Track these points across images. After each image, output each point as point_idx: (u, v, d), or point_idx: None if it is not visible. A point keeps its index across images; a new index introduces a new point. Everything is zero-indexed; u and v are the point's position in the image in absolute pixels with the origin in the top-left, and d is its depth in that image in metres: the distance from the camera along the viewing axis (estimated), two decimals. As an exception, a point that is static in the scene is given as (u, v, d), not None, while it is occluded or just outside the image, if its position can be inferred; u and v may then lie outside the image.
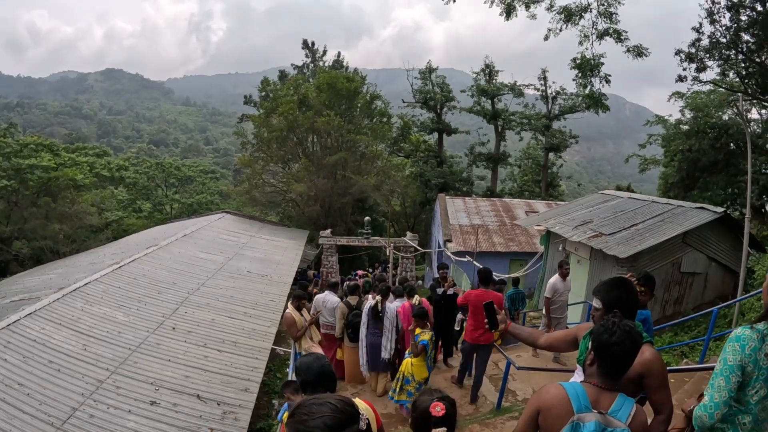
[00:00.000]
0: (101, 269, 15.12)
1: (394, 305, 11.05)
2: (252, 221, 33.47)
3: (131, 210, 49.97)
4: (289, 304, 10.59)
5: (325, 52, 55.67)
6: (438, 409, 3.44)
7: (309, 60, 54.98)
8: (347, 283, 12.95)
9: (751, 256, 14.34)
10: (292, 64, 56.17)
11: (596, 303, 4.01)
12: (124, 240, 28.79)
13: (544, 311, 12.63)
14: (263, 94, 47.63)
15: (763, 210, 27.22)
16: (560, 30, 22.09)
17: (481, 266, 20.73)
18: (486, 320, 4.73)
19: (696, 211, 15.78)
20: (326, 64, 53.91)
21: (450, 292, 12.63)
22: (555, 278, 12.29)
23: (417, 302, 11.12)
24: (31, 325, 10.44)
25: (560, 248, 19.02)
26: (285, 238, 29.68)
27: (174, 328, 11.98)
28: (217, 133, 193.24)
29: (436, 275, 14.18)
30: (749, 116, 27.80)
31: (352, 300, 11.36)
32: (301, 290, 11.98)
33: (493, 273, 13.98)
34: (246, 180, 42.76)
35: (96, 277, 14.06)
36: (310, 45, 55.07)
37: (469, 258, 22.95)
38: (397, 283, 15.47)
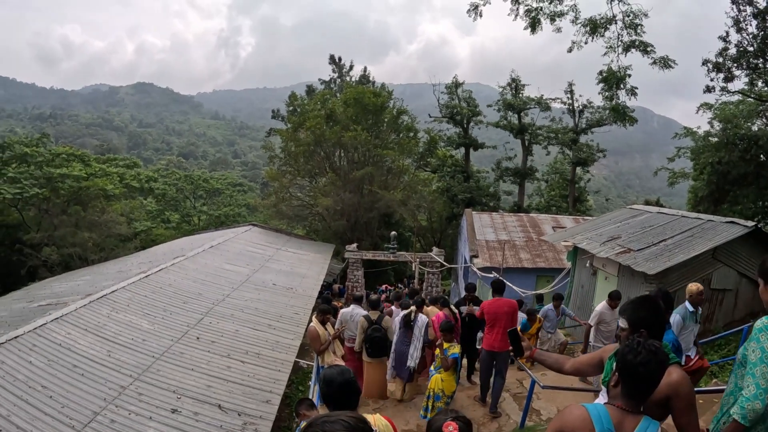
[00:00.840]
0: (128, 278, 15.18)
1: (422, 318, 11.08)
2: (278, 234, 33.53)
3: (160, 220, 50.69)
4: (313, 317, 10.55)
5: (351, 67, 56.13)
6: (451, 429, 3.36)
7: (336, 75, 55.44)
8: (371, 296, 12.83)
9: None
10: (319, 79, 56.78)
11: (622, 323, 3.93)
12: (152, 250, 28.97)
13: (584, 337, 12.40)
14: (291, 108, 47.96)
15: None
16: (585, 42, 21.97)
17: (507, 283, 20.65)
18: (510, 348, 4.71)
19: (726, 225, 15.43)
20: (353, 79, 54.29)
21: (464, 311, 12.61)
22: (603, 306, 11.84)
23: (452, 312, 11.28)
24: (58, 330, 10.49)
25: (588, 264, 18.75)
26: (311, 251, 29.67)
27: (198, 338, 11.95)
28: (245, 146, 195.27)
29: (463, 291, 14.22)
30: None
31: (373, 315, 11.27)
32: (326, 304, 11.91)
33: (521, 290, 13.73)
34: (273, 193, 42.94)
35: (123, 285, 14.12)
36: (336, 60, 55.53)
37: (496, 274, 22.74)
38: (407, 296, 15.50)
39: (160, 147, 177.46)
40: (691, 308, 8.53)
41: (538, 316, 13.89)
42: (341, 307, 20.93)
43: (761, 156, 25.90)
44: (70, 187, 36.57)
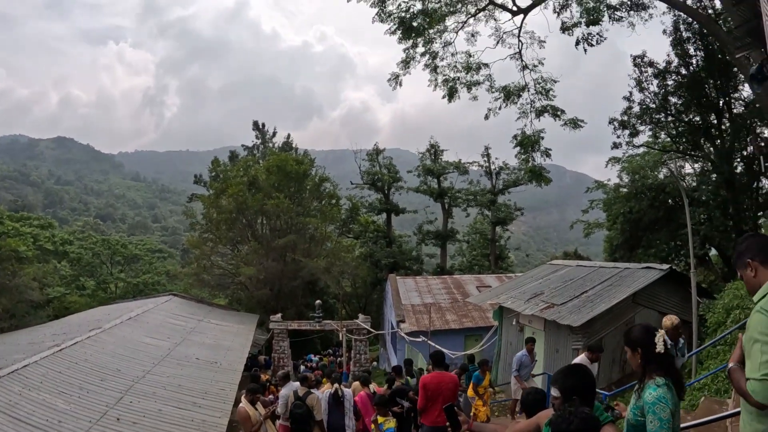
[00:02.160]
0: (41, 351, 14.43)
1: (347, 391, 11.11)
2: (200, 305, 32.79)
3: (74, 287, 48.81)
4: (242, 397, 10.28)
5: (275, 133, 56.50)
6: None
7: (259, 141, 55.57)
8: (302, 368, 12.68)
9: (701, 304, 14.67)
10: (242, 145, 56.74)
11: (554, 392, 4.00)
12: (66, 319, 27.82)
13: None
14: (213, 174, 47.80)
15: (706, 258, 28.16)
16: (500, 108, 23.12)
17: (435, 345, 20.66)
18: (447, 422, 4.71)
19: (643, 271, 16.32)
20: (276, 146, 54.57)
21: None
22: (582, 360, 11.09)
23: (372, 391, 11.08)
24: None
25: (514, 322, 19.11)
26: (234, 322, 29.11)
27: (118, 419, 11.42)
28: (166, 210, 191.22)
29: (392, 357, 14.24)
30: (684, 171, 29.32)
31: (300, 391, 11.06)
32: (254, 382, 11.64)
33: (450, 352, 13.68)
34: (194, 261, 42.10)
35: (35, 360, 13.39)
36: (260, 126, 55.80)
37: (424, 338, 22.82)
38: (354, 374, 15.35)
39: (78, 207, 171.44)
40: (670, 342, 8.44)
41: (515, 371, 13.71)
42: (268, 380, 20.47)
43: (669, 201, 27.52)
44: None
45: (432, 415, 9.59)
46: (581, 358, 11.55)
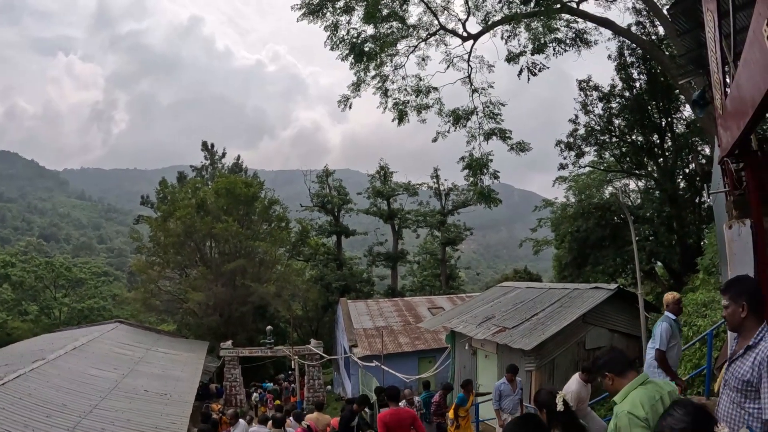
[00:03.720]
0: None
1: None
2: (147, 332, 32.30)
3: (16, 312, 47.38)
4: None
5: (224, 154, 56.01)
6: None
7: (208, 162, 55.00)
8: (254, 395, 12.57)
9: (649, 319, 15.06)
10: (191, 166, 56.04)
11: None
12: (8, 349, 26.89)
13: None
14: (161, 195, 47.14)
15: (653, 271, 29.19)
16: (449, 132, 23.57)
17: (388, 370, 20.70)
18: None
19: (592, 291, 16.74)
20: (225, 167, 54.11)
21: (354, 422, 12.50)
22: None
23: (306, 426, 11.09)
24: None
25: (467, 346, 19.28)
26: (183, 350, 28.71)
27: (65, 459, 11.17)
28: (112, 231, 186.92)
29: (346, 382, 14.24)
30: (629, 189, 30.38)
31: None
32: (206, 422, 11.54)
33: (404, 376, 13.60)
34: (141, 286, 41.43)
35: None
36: (209, 147, 55.22)
37: (377, 362, 22.85)
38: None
39: (20, 226, 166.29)
40: (673, 316, 8.39)
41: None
42: (220, 410, 20.21)
43: (614, 219, 28.35)
44: None
45: None
46: (574, 379, 11.28)
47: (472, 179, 24.31)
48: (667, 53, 20.54)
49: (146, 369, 22.03)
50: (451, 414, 13.36)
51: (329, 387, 35.75)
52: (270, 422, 12.18)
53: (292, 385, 34.73)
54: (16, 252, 66.70)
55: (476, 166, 23.18)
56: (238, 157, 56.12)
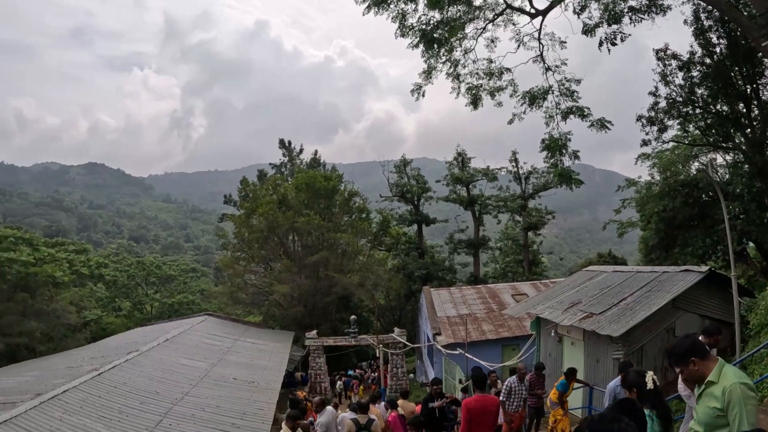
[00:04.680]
0: (80, 375, 14.56)
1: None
2: (235, 324, 32.90)
3: (110, 308, 49.61)
4: (284, 423, 10.17)
5: (301, 150, 56.47)
6: None
7: (286, 159, 55.56)
8: (338, 383, 12.49)
9: (743, 304, 14.14)
10: (270, 164, 56.85)
11: None
12: (103, 342, 28.07)
13: None
14: (243, 194, 48.02)
15: (744, 253, 27.40)
16: (525, 113, 22.78)
17: (472, 358, 20.30)
18: None
19: (681, 274, 15.74)
20: (303, 163, 54.57)
21: (437, 404, 12.22)
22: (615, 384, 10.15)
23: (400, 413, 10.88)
24: None
25: (552, 333, 18.66)
26: (270, 340, 29.14)
27: (158, 443, 11.37)
28: (198, 230, 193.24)
29: (429, 370, 13.93)
30: (716, 164, 28.59)
31: (362, 418, 10.77)
32: (295, 408, 11.49)
33: (488, 364, 13.21)
34: (228, 280, 42.39)
35: (75, 384, 13.50)
36: (286, 144, 55.78)
37: (461, 350, 22.49)
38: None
39: (111, 230, 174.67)
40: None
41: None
42: (305, 397, 20.33)
43: (702, 197, 26.90)
44: (17, 272, 35.14)
45: None
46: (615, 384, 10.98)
47: (551, 161, 23.56)
48: (745, 14, 19.23)
49: (234, 358, 22.40)
50: (553, 397, 12.82)
51: (412, 375, 35.64)
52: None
53: (374, 373, 34.77)
54: (108, 254, 69.39)
55: (555, 146, 22.38)
56: (316, 152, 56.56)
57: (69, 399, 12.55)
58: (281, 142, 55.90)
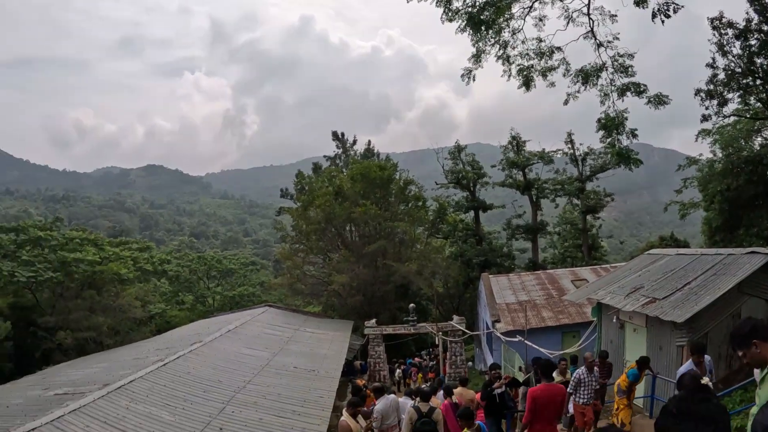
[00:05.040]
0: (146, 366, 14.90)
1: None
2: (295, 314, 33.23)
3: (174, 302, 51.33)
4: (344, 410, 10.16)
5: (355, 141, 56.75)
6: None
7: (340, 150, 55.87)
8: (398, 372, 12.43)
9: None
10: (324, 156, 57.27)
11: None
12: (168, 334, 28.78)
13: None
14: (299, 186, 48.57)
15: None
16: (579, 92, 22.11)
17: (532, 345, 19.97)
18: None
19: (747, 256, 15.00)
20: (357, 153, 54.80)
21: (498, 390, 11.98)
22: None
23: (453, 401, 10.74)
24: (76, 422, 10.13)
25: (614, 319, 18.16)
26: (330, 330, 29.31)
27: (221, 429, 11.53)
28: (256, 224, 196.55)
29: (488, 357, 13.71)
30: None
31: (423, 406, 10.67)
32: (356, 395, 11.48)
33: (548, 351, 12.88)
34: (287, 272, 42.95)
35: (141, 375, 13.82)
36: (339, 136, 56.04)
37: (520, 337, 22.17)
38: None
39: (172, 227, 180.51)
40: None
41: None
42: (364, 385, 20.38)
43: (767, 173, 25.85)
44: (84, 271, 37.32)
45: (539, 430, 8.81)
46: (689, 363, 10.57)
47: (608, 140, 22.92)
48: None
49: (295, 348, 22.61)
50: (622, 384, 12.25)
51: (470, 363, 35.43)
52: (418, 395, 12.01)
53: (432, 362, 34.65)
54: (170, 250, 71.20)
55: (611, 125, 21.73)
56: (369, 142, 56.77)
57: (135, 388, 12.83)
58: (334, 134, 56.21)
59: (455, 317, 33.48)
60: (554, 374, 11.92)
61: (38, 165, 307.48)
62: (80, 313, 35.92)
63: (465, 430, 9.16)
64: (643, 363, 12.39)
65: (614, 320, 18.24)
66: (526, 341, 21.30)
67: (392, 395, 11.95)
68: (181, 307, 50.05)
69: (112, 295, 39.35)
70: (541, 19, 23.20)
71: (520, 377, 18.29)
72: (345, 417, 10.01)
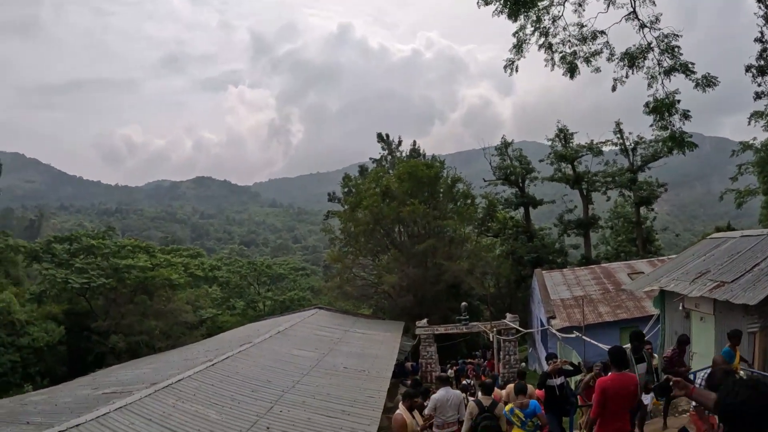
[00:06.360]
0: (194, 366, 14.89)
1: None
2: (345, 316, 33.10)
3: (225, 307, 52.00)
4: (400, 403, 9.71)
5: (400, 142, 56.17)
6: None
7: (386, 152, 55.45)
8: (449, 371, 11.92)
9: None
10: (370, 158, 56.94)
11: None
12: (218, 337, 29.02)
13: None
14: (346, 189, 48.62)
15: None
16: (626, 77, 21.20)
17: (590, 341, 19.18)
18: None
19: None
20: (403, 154, 54.29)
21: (558, 382, 11.25)
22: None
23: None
24: (120, 420, 10.10)
25: (680, 307, 17.18)
26: (380, 330, 29.13)
27: (268, 428, 11.31)
28: (305, 231, 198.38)
29: (543, 357, 12.99)
30: None
31: (485, 400, 10.14)
32: (414, 387, 11.02)
33: (606, 347, 12.18)
34: (336, 275, 43.08)
35: (189, 374, 13.80)
36: (385, 137, 55.66)
37: (577, 333, 21.41)
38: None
39: (222, 236, 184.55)
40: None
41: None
42: (411, 385, 19.94)
43: None
44: (136, 277, 38.78)
45: (610, 425, 7.83)
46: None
47: (660, 124, 21.95)
48: None
49: (345, 348, 22.45)
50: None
51: (523, 364, 34.65)
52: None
53: (483, 362, 34.01)
54: (221, 257, 72.19)
55: (662, 106, 20.80)
56: (414, 142, 56.23)
57: (183, 387, 12.78)
58: (379, 135, 55.87)
59: (509, 315, 32.82)
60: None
61: (91, 181, 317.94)
62: (133, 318, 37.35)
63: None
64: (734, 337, 11.33)
65: (680, 308, 17.26)
66: (583, 336, 20.56)
67: (457, 391, 11.41)
68: (232, 312, 50.66)
69: (163, 300, 40.68)
70: (580, 4, 22.34)
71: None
72: (400, 410, 9.56)
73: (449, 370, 32.14)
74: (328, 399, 14.31)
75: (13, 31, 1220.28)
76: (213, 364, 15.19)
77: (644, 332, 20.80)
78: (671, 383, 3.91)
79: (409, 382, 21.97)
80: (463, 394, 11.62)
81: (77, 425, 9.34)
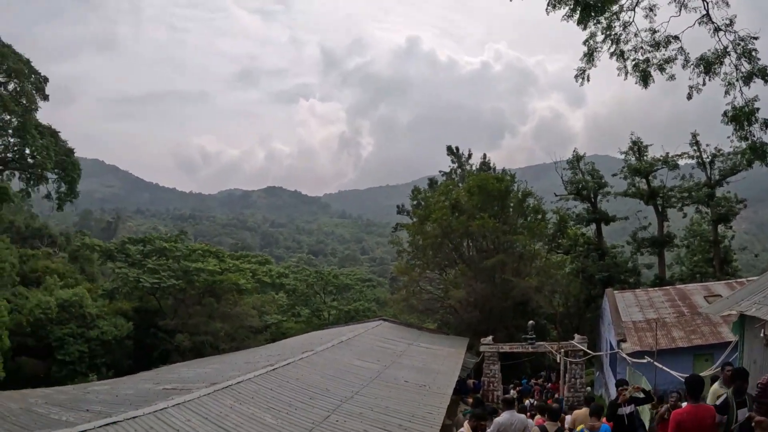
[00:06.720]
0: (255, 369, 15.06)
1: None
2: (410, 329, 32.93)
3: (290, 314, 52.90)
4: (466, 422, 9.45)
5: (470, 155, 55.66)
6: None
7: (455, 165, 55.06)
8: (512, 392, 11.46)
9: None
10: (440, 171, 56.64)
11: None
12: (282, 343, 29.35)
13: None
14: (415, 202, 48.65)
15: None
16: (703, 84, 20.23)
17: (662, 367, 18.28)
18: None
19: None
20: (473, 168, 53.73)
21: (627, 410, 10.61)
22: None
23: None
24: (177, 415, 10.29)
25: (761, 334, 16.10)
26: (444, 346, 28.87)
27: (323, 437, 11.12)
28: (373, 243, 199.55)
29: (610, 382, 12.35)
30: None
31: (551, 427, 9.69)
32: (480, 407, 10.69)
33: (679, 375, 11.43)
34: (403, 287, 43.01)
35: (249, 377, 13.95)
36: (454, 150, 55.30)
37: (649, 359, 20.45)
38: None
39: (291, 245, 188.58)
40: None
41: None
42: (473, 404, 19.49)
43: None
44: (205, 280, 40.48)
45: None
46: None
47: (739, 133, 20.87)
48: None
49: (407, 362, 22.28)
50: None
51: (589, 388, 33.50)
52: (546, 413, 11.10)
53: (548, 384, 33.12)
54: (289, 265, 73.35)
55: (742, 115, 19.75)
56: (484, 155, 55.51)
57: (241, 389, 12.92)
58: (449, 148, 55.52)
59: (577, 336, 31.84)
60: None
61: (167, 188, 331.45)
62: (199, 319, 38.94)
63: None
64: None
65: (761, 335, 16.23)
66: (655, 362, 19.63)
67: (522, 416, 10.94)
68: (297, 320, 51.22)
69: (230, 303, 42.18)
70: (651, 9, 21.48)
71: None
72: (465, 429, 9.26)
73: (511, 391, 31.36)
74: (386, 412, 14.12)
75: (95, 48, 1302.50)
76: (273, 369, 15.33)
77: (719, 362, 19.77)
78: (753, 423, 3.51)
79: (470, 400, 21.52)
80: (531, 421, 11.08)
81: (134, 417, 9.59)
